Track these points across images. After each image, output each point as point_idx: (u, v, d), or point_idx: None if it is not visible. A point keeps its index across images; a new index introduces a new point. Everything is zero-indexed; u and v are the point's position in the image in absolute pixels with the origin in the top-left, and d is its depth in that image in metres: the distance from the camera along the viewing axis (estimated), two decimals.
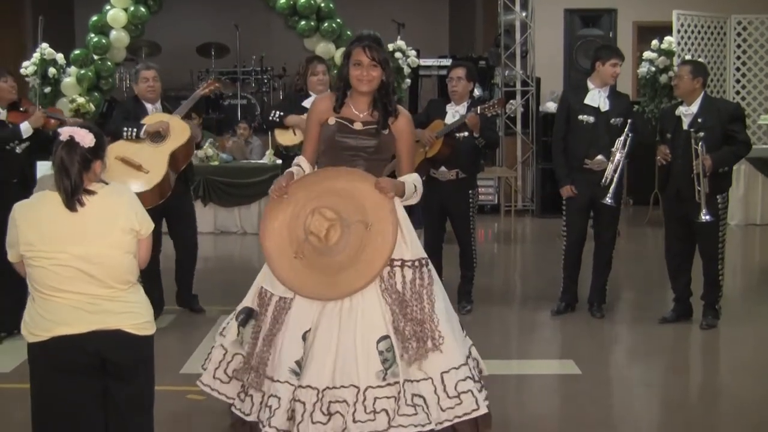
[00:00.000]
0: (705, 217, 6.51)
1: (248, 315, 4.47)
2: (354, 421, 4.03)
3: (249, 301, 4.50)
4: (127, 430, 3.79)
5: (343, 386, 4.09)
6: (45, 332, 3.59)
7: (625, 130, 6.85)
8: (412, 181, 4.44)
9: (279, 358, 4.24)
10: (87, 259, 3.56)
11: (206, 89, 7.42)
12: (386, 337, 4.17)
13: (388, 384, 4.12)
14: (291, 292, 4.30)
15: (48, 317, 3.59)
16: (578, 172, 7.09)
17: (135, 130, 6.79)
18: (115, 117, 7.29)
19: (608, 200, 6.82)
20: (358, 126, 4.42)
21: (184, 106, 7.11)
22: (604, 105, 6.98)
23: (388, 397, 4.10)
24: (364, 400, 4.07)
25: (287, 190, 4.32)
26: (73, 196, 3.56)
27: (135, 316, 3.71)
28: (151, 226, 3.77)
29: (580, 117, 7.00)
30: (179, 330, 6.94)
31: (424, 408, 4.14)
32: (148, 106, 7.07)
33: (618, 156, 6.82)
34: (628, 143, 6.83)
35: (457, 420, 4.22)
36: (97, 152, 3.64)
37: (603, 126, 6.93)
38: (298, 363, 4.19)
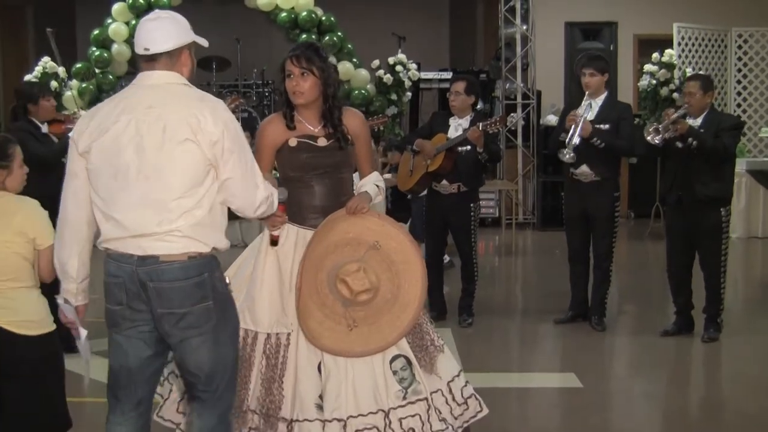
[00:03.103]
0: (568, 154, 6.80)
1: None
2: None
3: None
4: (18, 428, 3.86)
5: (371, 413, 4.03)
6: None
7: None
8: (373, 182, 4.31)
9: (301, 397, 4.04)
10: None
11: (230, 105, 7.40)
12: (398, 356, 4.14)
13: (410, 402, 4.10)
14: (283, 326, 4.10)
15: None
16: (570, 183, 7.13)
17: None
18: None
19: (566, 154, 6.81)
20: (322, 142, 4.20)
21: None
22: (591, 115, 6.97)
23: (413, 416, 4.09)
24: (391, 423, 4.04)
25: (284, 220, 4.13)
26: None
27: (13, 312, 3.79)
28: (51, 239, 3.78)
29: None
30: None
31: (447, 420, 4.17)
32: None
33: (581, 116, 6.83)
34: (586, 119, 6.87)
35: (465, 425, 4.27)
36: None
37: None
38: (321, 397, 4.05)
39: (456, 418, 4.24)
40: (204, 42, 3.59)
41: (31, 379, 3.84)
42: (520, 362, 6.85)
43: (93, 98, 12.07)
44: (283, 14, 12.21)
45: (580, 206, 7.09)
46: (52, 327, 3.93)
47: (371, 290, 4.03)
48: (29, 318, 3.84)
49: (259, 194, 3.46)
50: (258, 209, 3.50)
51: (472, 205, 7.20)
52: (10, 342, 3.78)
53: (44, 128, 6.40)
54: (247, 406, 4.08)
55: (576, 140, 6.79)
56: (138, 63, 3.49)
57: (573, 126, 6.82)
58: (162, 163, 3.25)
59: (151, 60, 3.40)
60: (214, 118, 3.30)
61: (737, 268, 10.17)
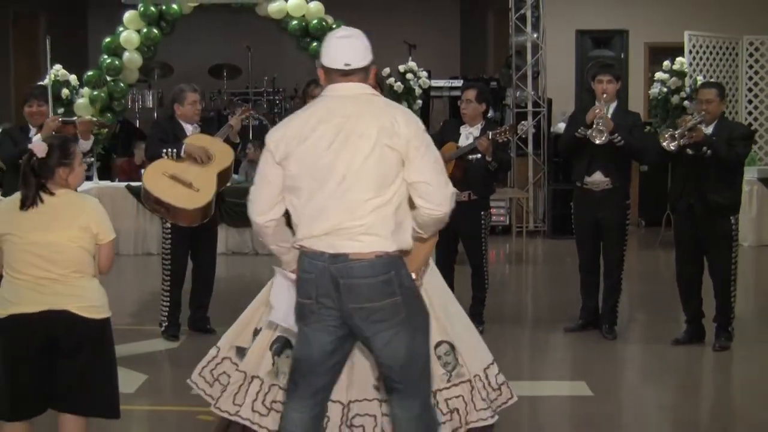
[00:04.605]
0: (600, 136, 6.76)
1: (283, 345, 4.39)
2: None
3: (281, 330, 4.37)
4: (72, 405, 4.10)
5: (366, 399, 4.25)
6: (3, 310, 4.04)
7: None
8: None
9: (359, 380, 4.28)
10: (45, 246, 4.01)
11: (242, 115, 7.43)
12: (442, 342, 4.38)
13: (454, 385, 4.38)
14: None
15: (7, 297, 4.05)
16: (580, 192, 7.14)
17: (175, 150, 6.85)
18: (152, 138, 7.30)
19: (596, 136, 6.81)
20: None
21: (223, 132, 7.17)
22: None
23: (456, 397, 4.36)
24: (438, 404, 4.28)
25: None
26: (26, 199, 4.05)
27: (81, 299, 4.06)
28: (111, 235, 4.16)
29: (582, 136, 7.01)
30: (190, 351, 6.92)
31: (488, 401, 4.44)
32: (187, 126, 7.11)
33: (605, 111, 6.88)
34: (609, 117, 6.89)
35: (498, 409, 4.54)
36: (60, 160, 4.09)
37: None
38: (378, 379, 4.24)
39: (491, 402, 4.49)
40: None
41: (91, 359, 4.08)
42: (531, 370, 6.84)
43: (104, 106, 12.09)
44: (294, 22, 12.22)
45: (591, 216, 7.09)
46: (110, 313, 4.20)
47: None
48: (94, 303, 4.10)
49: (450, 189, 3.69)
50: (450, 204, 3.69)
51: (482, 213, 7.20)
52: (78, 325, 4.03)
53: (32, 132, 6.47)
54: None
55: (602, 126, 6.80)
56: (330, 76, 3.73)
57: (596, 118, 6.82)
58: (358, 166, 3.55)
59: (347, 74, 3.70)
60: (406, 120, 3.62)
61: (748, 276, 10.14)
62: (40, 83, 10.41)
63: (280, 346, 4.38)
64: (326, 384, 3.79)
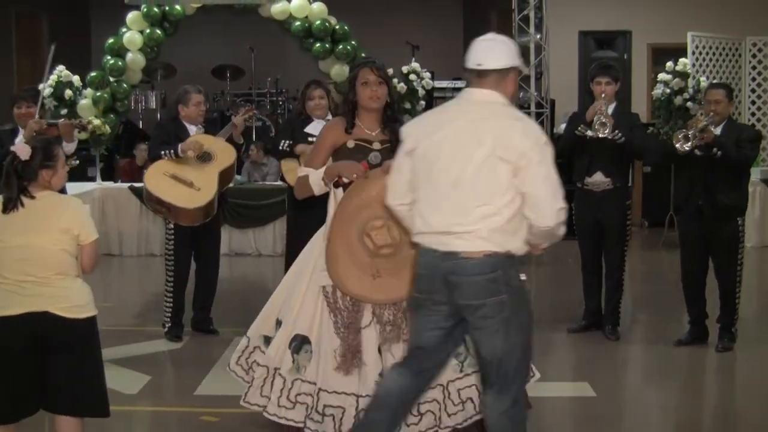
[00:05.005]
0: (601, 129, 6.81)
1: (301, 342, 4.54)
2: (448, 415, 4.46)
3: (299, 328, 4.55)
4: (61, 405, 4.11)
5: (430, 388, 4.32)
6: None
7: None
8: None
9: (366, 375, 4.42)
10: (27, 249, 4.01)
11: (245, 115, 7.43)
12: None
13: (466, 374, 4.50)
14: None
15: None
16: (581, 192, 7.16)
17: (172, 150, 6.86)
18: (154, 140, 7.33)
19: (598, 128, 6.83)
20: (377, 146, 4.64)
21: (225, 131, 7.19)
22: None
23: (469, 386, 4.49)
24: (450, 395, 4.43)
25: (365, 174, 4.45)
26: (8, 202, 4.05)
27: (64, 300, 4.06)
28: (93, 236, 4.15)
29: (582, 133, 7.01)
30: (193, 352, 6.93)
31: None
32: (191, 127, 7.11)
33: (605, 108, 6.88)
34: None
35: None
36: (44, 162, 4.09)
37: (602, 141, 6.90)
38: (381, 375, 4.39)
39: None
40: (524, 68, 3.96)
41: (77, 357, 4.09)
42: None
43: (107, 107, 12.08)
44: (297, 23, 12.22)
45: (591, 216, 7.10)
46: (96, 311, 4.20)
47: (392, 246, 4.33)
48: (77, 303, 4.10)
49: (558, 204, 3.73)
50: (556, 219, 3.73)
51: None
52: (62, 326, 4.04)
53: (20, 134, 6.49)
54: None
55: (604, 119, 6.79)
56: (467, 79, 3.85)
57: (596, 114, 6.83)
58: (471, 172, 3.66)
59: (481, 76, 3.78)
60: (523, 133, 3.69)
61: (751, 277, 10.11)
62: (32, 86, 10.46)
63: (299, 344, 4.53)
64: (433, 367, 3.99)
